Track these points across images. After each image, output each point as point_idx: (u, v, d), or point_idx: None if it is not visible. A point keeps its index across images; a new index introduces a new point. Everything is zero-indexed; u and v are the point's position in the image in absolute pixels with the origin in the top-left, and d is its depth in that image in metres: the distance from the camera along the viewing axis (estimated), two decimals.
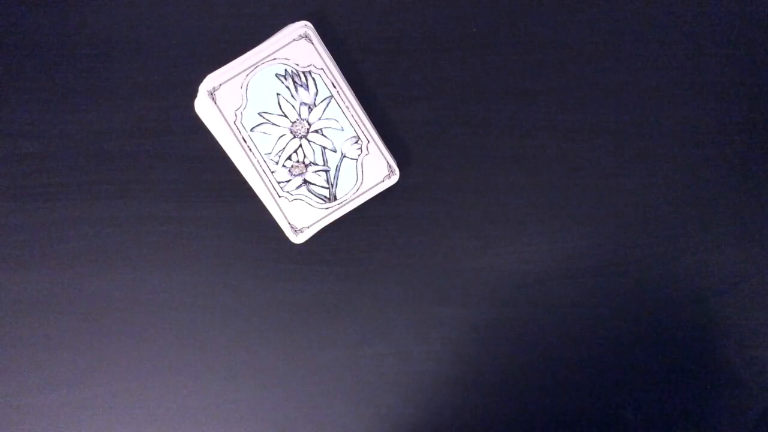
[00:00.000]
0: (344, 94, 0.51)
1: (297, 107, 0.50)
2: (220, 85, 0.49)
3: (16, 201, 0.53)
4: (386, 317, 0.52)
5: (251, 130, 0.49)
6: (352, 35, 0.54)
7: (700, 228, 0.53)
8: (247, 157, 0.49)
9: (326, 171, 0.51)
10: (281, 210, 0.50)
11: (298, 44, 0.50)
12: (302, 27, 0.50)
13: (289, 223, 0.50)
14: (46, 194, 0.53)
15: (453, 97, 0.53)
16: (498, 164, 0.53)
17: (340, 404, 0.51)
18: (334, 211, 0.51)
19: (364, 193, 0.51)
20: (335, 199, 0.51)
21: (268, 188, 0.50)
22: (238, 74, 0.49)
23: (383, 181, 0.51)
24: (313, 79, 0.50)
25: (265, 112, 0.50)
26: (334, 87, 0.51)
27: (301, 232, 0.50)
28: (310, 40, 0.50)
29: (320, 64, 0.50)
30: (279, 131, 0.50)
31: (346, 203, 0.51)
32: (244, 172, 0.50)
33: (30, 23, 0.54)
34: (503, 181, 0.53)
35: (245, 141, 0.49)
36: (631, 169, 0.53)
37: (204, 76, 0.49)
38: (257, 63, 0.49)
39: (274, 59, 0.50)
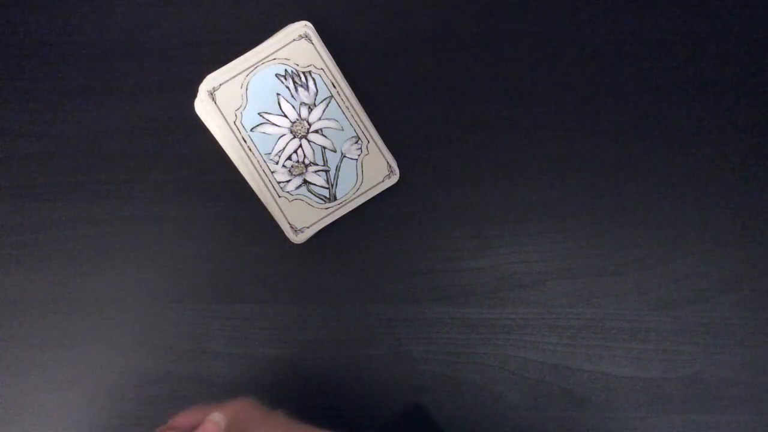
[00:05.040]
0: (344, 94, 0.51)
1: (297, 107, 0.50)
2: (220, 85, 0.49)
3: (16, 201, 0.53)
4: (386, 317, 0.52)
5: (251, 130, 0.49)
6: (352, 35, 0.54)
7: (700, 228, 0.53)
8: (247, 157, 0.49)
9: (326, 171, 0.51)
10: (281, 210, 0.50)
11: (298, 44, 0.50)
12: (302, 27, 0.50)
13: (289, 223, 0.50)
14: (46, 194, 0.53)
15: (453, 97, 0.53)
16: (498, 164, 0.53)
17: (340, 404, 0.51)
18: (334, 211, 0.51)
19: (364, 193, 0.51)
20: (335, 199, 0.51)
21: (268, 188, 0.50)
22: (238, 74, 0.49)
23: (383, 181, 0.51)
24: (313, 79, 0.50)
25: (265, 112, 0.50)
26: (334, 87, 0.51)
27: (301, 232, 0.50)
28: (310, 40, 0.50)
29: (320, 64, 0.50)
30: (279, 131, 0.50)
31: (346, 203, 0.51)
32: (244, 172, 0.50)
33: (30, 23, 0.54)
34: (503, 181, 0.53)
35: (245, 141, 0.49)
36: (631, 169, 0.53)
37: (204, 76, 0.49)
38: (257, 63, 0.49)
39: (274, 59, 0.50)
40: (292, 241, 0.50)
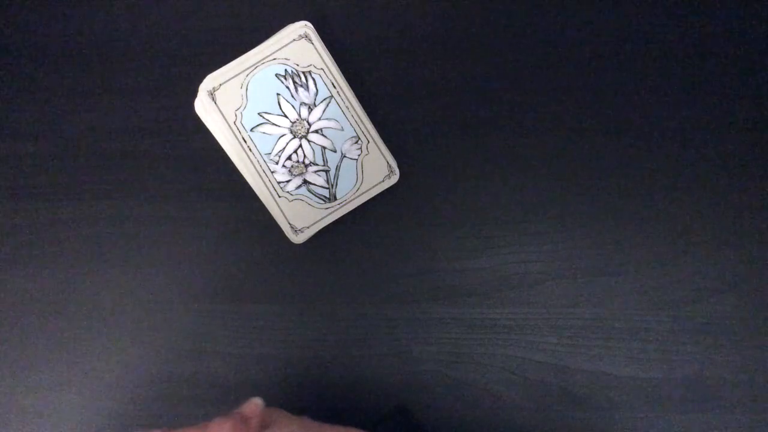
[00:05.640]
0: (344, 94, 0.51)
1: (297, 107, 0.50)
2: (220, 85, 0.49)
3: (16, 201, 0.53)
4: (386, 317, 0.52)
5: (251, 130, 0.49)
6: (352, 35, 0.54)
7: (700, 228, 0.53)
8: (247, 157, 0.49)
9: (326, 171, 0.51)
10: (281, 210, 0.50)
11: (298, 44, 0.50)
12: (302, 27, 0.50)
13: (289, 223, 0.50)
14: (46, 194, 0.53)
15: (453, 97, 0.53)
16: (498, 164, 0.53)
17: (341, 404, 0.51)
18: (334, 211, 0.51)
19: (364, 193, 0.51)
20: (335, 199, 0.51)
21: (268, 188, 0.50)
22: (238, 74, 0.49)
23: (383, 181, 0.51)
24: (313, 79, 0.50)
25: (265, 112, 0.50)
26: (334, 87, 0.51)
27: (301, 232, 0.50)
28: (310, 40, 0.50)
29: (320, 65, 0.50)
30: (279, 131, 0.50)
31: (346, 203, 0.51)
32: (244, 172, 0.50)
33: (30, 23, 0.54)
34: (503, 181, 0.53)
35: (245, 141, 0.49)
36: (631, 169, 0.53)
37: (204, 76, 0.49)
38: (257, 63, 0.49)
39: (274, 59, 0.50)
40: (292, 241, 0.50)
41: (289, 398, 0.51)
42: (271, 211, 0.51)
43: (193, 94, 0.50)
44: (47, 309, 0.52)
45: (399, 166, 0.52)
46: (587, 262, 0.52)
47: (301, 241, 0.51)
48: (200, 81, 0.49)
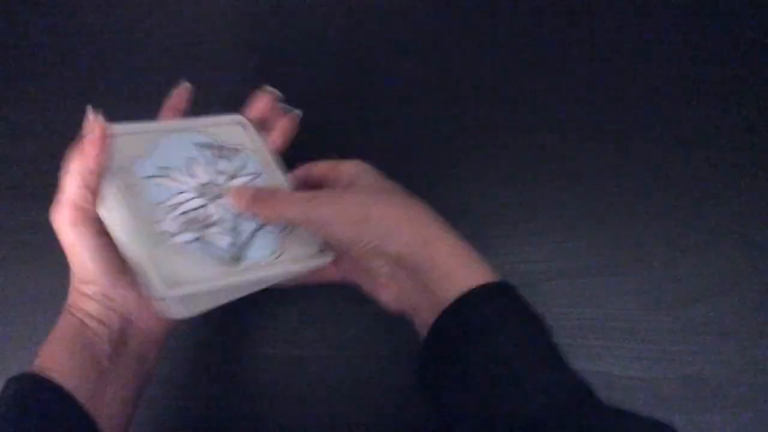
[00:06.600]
0: (277, 175, 0.43)
1: (212, 174, 0.41)
2: (126, 134, 0.39)
3: (16, 201, 0.53)
4: (386, 317, 0.52)
5: (146, 177, 0.39)
6: (352, 35, 0.54)
7: (700, 228, 0.52)
8: (123, 202, 0.37)
9: (233, 235, 0.40)
10: (151, 259, 0.36)
11: (231, 128, 0.43)
12: (237, 121, 0.43)
13: (161, 275, 0.36)
14: (46, 194, 0.53)
15: (453, 97, 0.53)
16: (498, 164, 0.53)
17: (340, 404, 0.51)
18: (233, 275, 0.38)
19: (283, 263, 0.40)
20: (238, 261, 0.39)
21: (141, 237, 0.37)
22: (151, 132, 0.41)
23: (314, 257, 0.41)
24: (241, 156, 0.43)
25: (167, 167, 0.40)
26: (267, 166, 0.43)
27: (179, 285, 0.36)
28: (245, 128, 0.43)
29: (253, 148, 0.43)
30: (180, 187, 0.40)
31: (254, 270, 0.39)
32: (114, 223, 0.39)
33: (30, 23, 0.54)
34: (503, 180, 0.53)
35: (131, 186, 0.38)
36: (631, 169, 0.53)
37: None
38: (177, 130, 0.42)
39: (198, 132, 0.42)
40: (158, 294, 0.36)
41: (289, 398, 0.51)
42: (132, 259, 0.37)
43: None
44: (47, 309, 0.52)
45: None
46: (587, 262, 0.52)
47: (173, 296, 0.36)
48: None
